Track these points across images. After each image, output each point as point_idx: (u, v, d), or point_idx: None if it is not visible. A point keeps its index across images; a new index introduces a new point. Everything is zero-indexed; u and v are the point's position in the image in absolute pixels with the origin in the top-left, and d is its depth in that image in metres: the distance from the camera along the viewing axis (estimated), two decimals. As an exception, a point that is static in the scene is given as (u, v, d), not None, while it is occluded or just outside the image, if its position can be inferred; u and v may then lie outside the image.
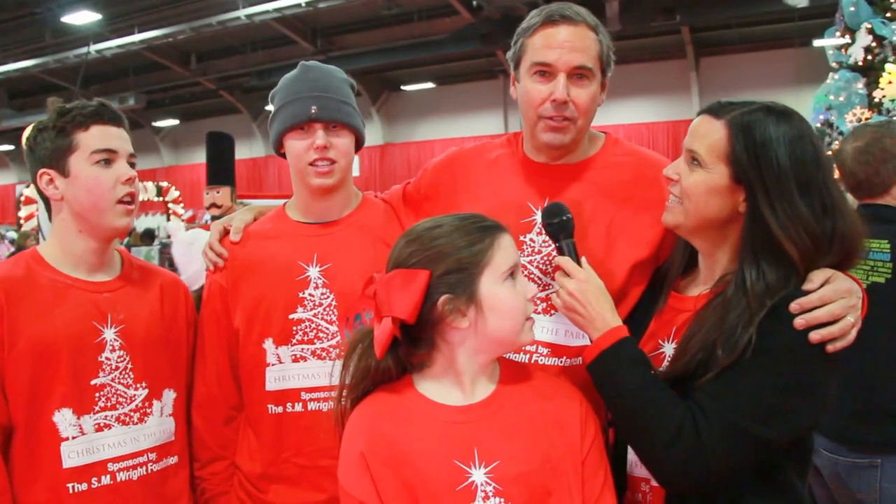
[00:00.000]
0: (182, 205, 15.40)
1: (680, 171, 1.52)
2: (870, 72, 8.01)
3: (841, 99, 8.20)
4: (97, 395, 1.71)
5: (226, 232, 1.97)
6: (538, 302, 1.73)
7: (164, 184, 15.18)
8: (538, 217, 1.74)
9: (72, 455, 1.67)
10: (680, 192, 1.51)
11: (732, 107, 1.47)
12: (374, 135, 20.59)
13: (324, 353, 1.83)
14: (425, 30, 16.48)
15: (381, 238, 1.86)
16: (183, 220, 14.98)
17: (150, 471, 1.77)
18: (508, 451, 1.39)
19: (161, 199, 14.76)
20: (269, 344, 1.84)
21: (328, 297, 1.83)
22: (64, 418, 1.66)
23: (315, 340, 1.83)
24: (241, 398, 1.93)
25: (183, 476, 1.89)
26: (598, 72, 1.72)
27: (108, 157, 1.73)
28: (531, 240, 1.75)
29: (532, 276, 1.74)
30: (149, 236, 12.30)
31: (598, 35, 1.71)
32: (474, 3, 14.47)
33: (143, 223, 16.83)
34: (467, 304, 1.39)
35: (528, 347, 1.70)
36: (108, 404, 1.72)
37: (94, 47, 16.88)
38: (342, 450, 1.46)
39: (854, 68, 8.19)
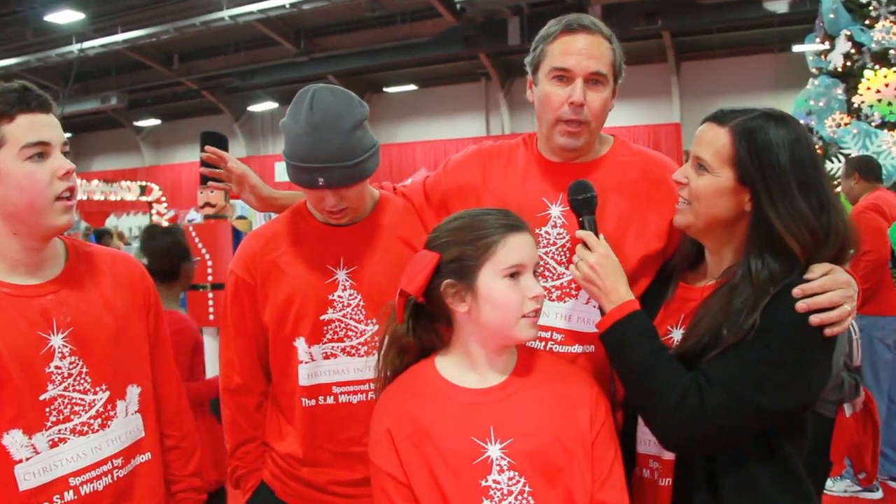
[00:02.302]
0: (165, 204, 15.38)
1: (688, 176, 1.63)
2: (849, 78, 8.20)
3: (821, 104, 8.38)
4: (47, 409, 1.56)
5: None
6: (552, 290, 1.84)
7: (148, 183, 15.15)
8: (553, 211, 1.86)
9: (28, 477, 1.53)
10: (689, 194, 1.63)
11: (735, 114, 1.59)
12: (356, 136, 20.59)
13: (353, 350, 1.93)
14: (408, 32, 16.57)
15: (400, 237, 1.96)
16: (166, 220, 14.95)
17: (115, 477, 1.66)
18: (522, 430, 1.50)
19: (144, 198, 14.74)
20: (300, 342, 1.92)
21: (356, 297, 1.92)
22: (14, 440, 1.52)
23: (345, 339, 1.93)
24: (269, 386, 2.04)
25: (157, 473, 1.80)
26: (612, 78, 1.84)
27: (41, 151, 1.54)
28: (546, 233, 1.86)
29: (547, 266, 1.85)
30: (108, 234, 12.21)
31: (612, 44, 1.83)
32: (458, 6, 14.55)
33: (126, 223, 16.79)
34: (466, 292, 1.52)
35: (542, 334, 1.81)
36: (61, 417, 1.58)
37: (76, 46, 16.78)
38: (372, 426, 1.59)
39: (833, 74, 8.37)
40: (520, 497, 1.47)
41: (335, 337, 1.93)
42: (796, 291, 1.46)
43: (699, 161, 1.60)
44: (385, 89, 20.34)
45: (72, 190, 1.59)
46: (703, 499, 1.55)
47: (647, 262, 1.83)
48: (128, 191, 14.35)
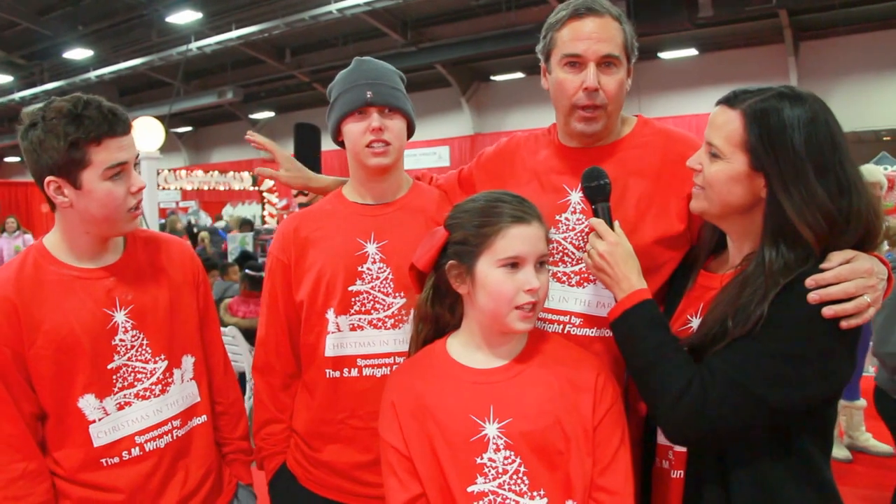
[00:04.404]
0: (276, 194, 15.91)
1: (702, 162, 1.57)
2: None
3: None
4: (114, 377, 1.79)
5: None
6: (571, 276, 1.83)
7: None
8: (572, 197, 1.85)
9: (100, 435, 1.77)
10: (702, 181, 1.57)
11: (747, 95, 1.50)
12: (464, 125, 20.71)
13: (379, 323, 1.96)
14: (514, 20, 16.46)
15: (433, 218, 1.97)
16: (277, 209, 15.49)
17: (175, 437, 1.88)
18: (521, 410, 1.51)
19: (256, 188, 15.30)
20: (330, 314, 1.97)
21: (385, 270, 1.96)
22: (88, 403, 1.76)
23: (372, 311, 1.95)
24: (299, 366, 2.08)
25: (210, 434, 2.00)
26: (624, 59, 1.80)
27: (120, 171, 1.72)
28: (566, 218, 1.85)
29: (566, 251, 1.84)
30: (248, 224, 12.88)
31: (622, 25, 1.79)
32: (563, -9, 14.35)
33: (240, 211, 17.50)
34: (466, 275, 1.54)
35: (561, 318, 1.82)
36: (126, 383, 1.80)
37: (194, 44, 17.60)
38: (382, 399, 1.65)
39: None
40: (515, 476, 1.48)
41: (362, 309, 1.96)
42: (809, 282, 1.38)
43: (711, 147, 1.53)
44: (492, 78, 20.35)
45: (139, 201, 1.81)
46: (714, 493, 1.50)
47: (669, 244, 1.78)
48: (240, 181, 14.95)
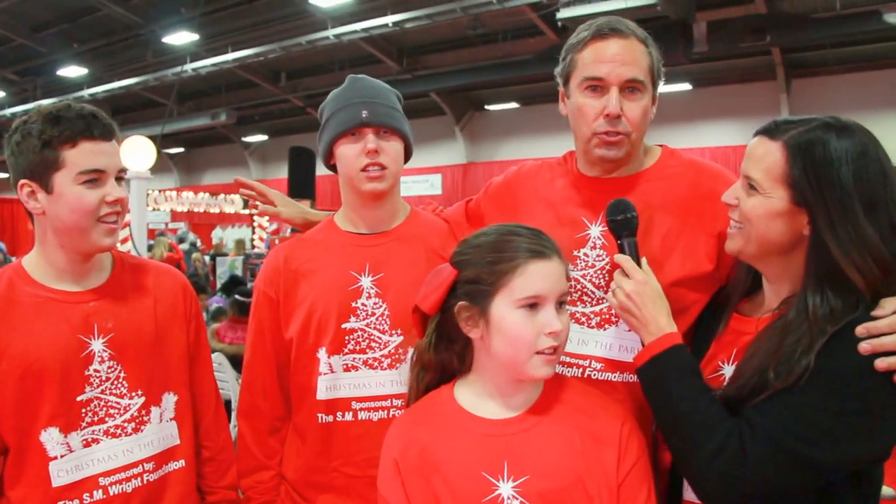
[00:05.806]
0: (268, 217, 15.79)
1: (738, 196, 1.46)
2: (974, 94, 7.63)
3: (942, 122, 7.83)
4: (83, 410, 1.64)
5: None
6: (591, 317, 1.70)
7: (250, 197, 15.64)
8: (592, 231, 1.73)
9: (60, 474, 1.62)
10: (739, 217, 1.46)
11: (790, 125, 1.40)
12: (457, 153, 20.70)
13: (375, 363, 1.81)
14: (510, 50, 16.51)
15: (433, 248, 1.85)
16: (268, 233, 15.37)
17: (145, 481, 1.72)
18: (539, 467, 1.37)
19: (247, 211, 15.18)
20: (322, 353, 1.82)
21: (381, 306, 1.82)
22: (51, 437, 1.61)
23: (367, 350, 1.81)
24: (289, 409, 1.92)
25: (190, 481, 1.84)
26: (650, 85, 1.69)
27: (95, 178, 1.62)
28: (585, 254, 1.73)
29: (585, 290, 1.72)
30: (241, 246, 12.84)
31: (648, 48, 1.68)
32: (559, 23, 14.40)
33: (229, 234, 17.39)
34: (479, 318, 1.40)
35: (580, 362, 1.69)
36: (96, 418, 1.66)
37: (190, 66, 17.54)
38: (381, 454, 1.50)
39: (957, 90, 7.81)
40: None
41: (357, 348, 1.81)
42: (860, 330, 1.27)
43: (749, 180, 1.42)
44: (487, 107, 20.37)
45: (118, 214, 1.67)
46: None
47: (697, 285, 1.66)
48: (231, 203, 14.82)
